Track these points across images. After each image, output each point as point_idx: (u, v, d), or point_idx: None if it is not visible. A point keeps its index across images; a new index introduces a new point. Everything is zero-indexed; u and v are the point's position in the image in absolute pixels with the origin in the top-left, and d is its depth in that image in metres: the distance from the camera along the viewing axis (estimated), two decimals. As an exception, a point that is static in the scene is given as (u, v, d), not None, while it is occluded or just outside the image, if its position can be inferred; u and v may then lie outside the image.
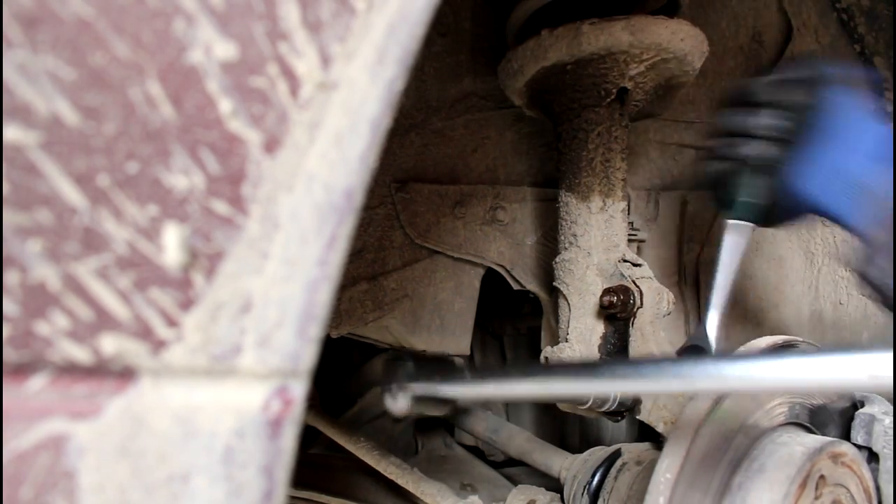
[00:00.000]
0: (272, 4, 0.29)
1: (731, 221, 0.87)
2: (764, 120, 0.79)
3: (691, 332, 1.31)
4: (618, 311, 0.94)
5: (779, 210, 0.82)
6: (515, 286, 1.26)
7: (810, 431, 0.76)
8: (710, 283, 0.90)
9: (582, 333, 1.01)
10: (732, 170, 0.83)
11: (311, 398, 0.36)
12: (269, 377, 0.30)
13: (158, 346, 0.29)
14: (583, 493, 0.88)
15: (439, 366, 0.62)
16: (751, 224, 0.86)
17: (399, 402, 0.60)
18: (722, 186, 0.85)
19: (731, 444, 0.67)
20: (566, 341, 1.02)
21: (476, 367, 1.65)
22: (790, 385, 0.44)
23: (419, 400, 0.60)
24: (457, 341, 1.29)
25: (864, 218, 0.72)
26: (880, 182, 0.70)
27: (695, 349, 0.93)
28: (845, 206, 0.73)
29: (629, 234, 1.10)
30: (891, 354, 0.36)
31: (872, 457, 0.79)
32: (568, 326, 1.02)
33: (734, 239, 0.88)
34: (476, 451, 1.42)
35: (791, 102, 0.78)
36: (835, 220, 0.76)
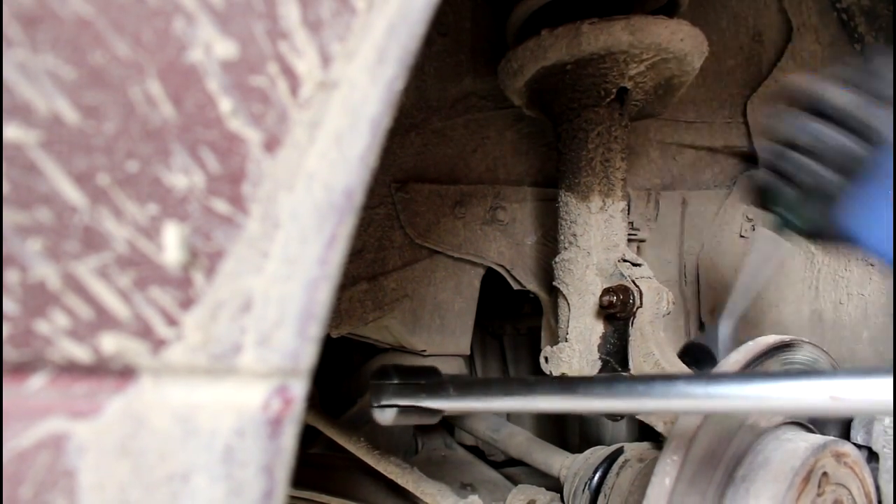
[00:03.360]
0: (272, 4, 0.29)
1: (768, 232, 0.80)
2: (837, 142, 0.67)
3: (692, 332, 1.31)
4: (617, 310, 0.94)
5: (824, 233, 0.75)
6: (515, 286, 1.26)
7: (810, 431, 0.77)
8: (734, 288, 0.87)
9: (582, 333, 1.01)
10: (786, 188, 0.73)
11: (311, 398, 0.37)
12: (269, 376, 0.30)
13: (158, 345, 0.29)
14: (583, 490, 0.88)
15: (424, 377, 0.64)
16: (786, 240, 0.79)
17: (386, 415, 0.62)
18: (770, 196, 0.76)
19: (733, 439, 0.67)
20: (566, 341, 1.02)
21: (476, 367, 1.65)
22: (754, 407, 0.46)
23: (405, 413, 0.62)
24: (457, 341, 1.29)
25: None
26: None
27: (697, 348, 0.93)
28: (886, 245, 0.66)
29: (629, 234, 1.10)
30: (850, 380, 0.37)
31: (872, 456, 0.80)
32: (568, 326, 1.02)
33: (767, 249, 0.83)
34: (476, 451, 1.42)
35: (868, 122, 0.66)
36: (879, 258, 0.69)
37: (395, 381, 0.63)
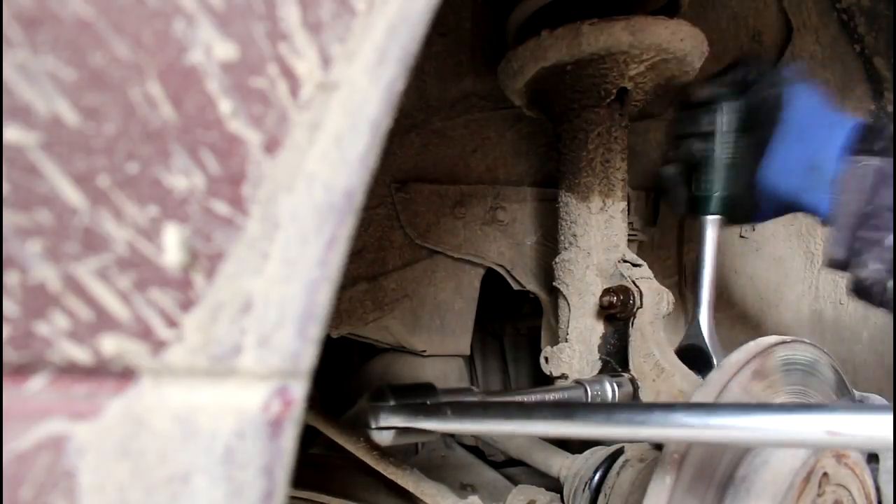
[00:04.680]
0: (272, 5, 0.29)
1: (708, 217, 0.92)
2: (704, 117, 0.87)
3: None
4: (618, 311, 0.94)
5: (756, 207, 0.86)
6: (515, 286, 1.26)
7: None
8: (697, 282, 0.95)
9: (582, 333, 1.01)
10: (686, 169, 0.91)
11: (310, 398, 0.37)
12: (270, 377, 0.30)
13: (158, 346, 0.29)
14: (584, 490, 0.87)
15: (420, 396, 0.65)
16: (722, 217, 0.92)
17: (385, 437, 0.64)
18: (688, 187, 0.92)
19: None
20: (566, 341, 1.02)
21: (476, 367, 1.65)
22: (752, 440, 0.48)
23: (403, 434, 0.64)
24: (457, 341, 1.29)
25: (847, 214, 0.73)
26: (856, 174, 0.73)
27: (692, 348, 0.94)
28: (825, 201, 0.75)
29: (629, 234, 1.10)
30: (847, 415, 0.38)
31: (872, 457, 0.79)
32: (568, 326, 1.02)
33: (713, 234, 0.93)
34: (476, 451, 1.42)
35: (730, 98, 0.85)
36: (817, 216, 0.78)
37: (392, 403, 0.64)
